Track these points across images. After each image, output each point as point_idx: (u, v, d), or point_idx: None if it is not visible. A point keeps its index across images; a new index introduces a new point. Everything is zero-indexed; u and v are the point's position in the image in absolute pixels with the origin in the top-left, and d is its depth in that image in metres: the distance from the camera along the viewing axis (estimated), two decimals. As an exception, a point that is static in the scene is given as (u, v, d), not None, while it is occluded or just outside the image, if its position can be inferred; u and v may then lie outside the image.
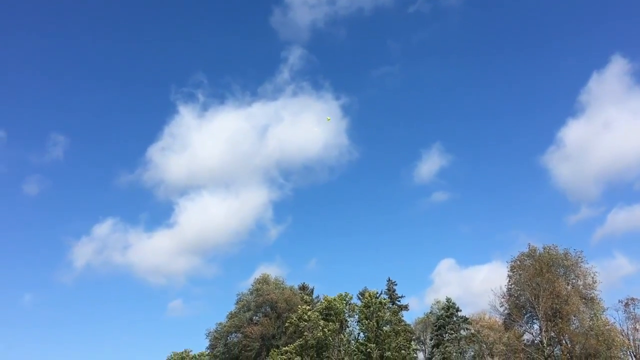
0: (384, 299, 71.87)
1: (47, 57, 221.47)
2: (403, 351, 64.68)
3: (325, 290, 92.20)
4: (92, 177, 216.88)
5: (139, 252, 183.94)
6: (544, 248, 58.49)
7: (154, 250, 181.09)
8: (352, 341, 68.06)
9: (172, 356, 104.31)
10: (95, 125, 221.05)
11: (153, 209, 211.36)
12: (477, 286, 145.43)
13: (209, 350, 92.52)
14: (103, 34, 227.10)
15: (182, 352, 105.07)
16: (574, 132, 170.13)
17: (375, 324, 65.39)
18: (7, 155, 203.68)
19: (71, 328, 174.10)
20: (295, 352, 66.13)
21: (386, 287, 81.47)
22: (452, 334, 68.33)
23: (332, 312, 67.67)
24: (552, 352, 57.08)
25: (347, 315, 69.46)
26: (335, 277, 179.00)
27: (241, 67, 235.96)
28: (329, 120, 70.70)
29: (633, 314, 57.95)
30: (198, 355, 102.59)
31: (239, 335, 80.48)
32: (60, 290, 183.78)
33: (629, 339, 57.35)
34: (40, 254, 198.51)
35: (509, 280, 60.07)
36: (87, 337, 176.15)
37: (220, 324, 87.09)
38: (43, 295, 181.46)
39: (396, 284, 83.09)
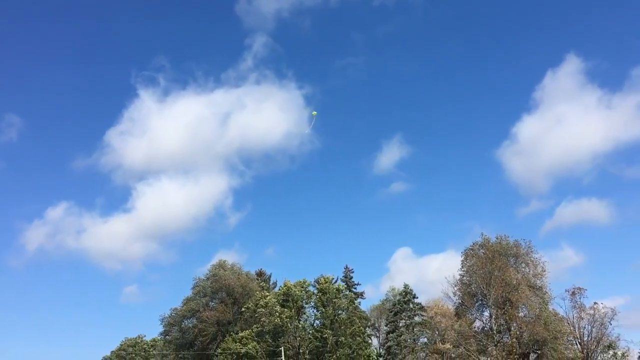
0: (341, 285, 72.66)
1: (2, 36, 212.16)
2: (358, 337, 65.64)
3: (282, 277, 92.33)
4: (47, 159, 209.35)
5: (94, 236, 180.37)
6: (496, 238, 60.17)
7: (109, 235, 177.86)
8: (308, 328, 68.54)
9: (125, 342, 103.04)
10: (52, 106, 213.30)
11: (110, 194, 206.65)
12: (432, 275, 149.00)
13: (162, 336, 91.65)
14: (63, 12, 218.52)
15: (135, 338, 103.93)
16: (527, 128, 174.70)
17: (331, 310, 66.04)
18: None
19: (22, 312, 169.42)
20: (250, 338, 66.19)
21: (343, 275, 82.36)
22: (407, 320, 69.62)
23: (289, 298, 67.95)
24: (502, 338, 58.86)
25: (304, 302, 69.86)
26: (293, 264, 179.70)
27: (204, 52, 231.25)
28: (314, 115, 70.49)
29: (579, 303, 60.49)
30: (151, 341, 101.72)
31: (194, 320, 79.79)
32: (10, 274, 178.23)
33: (574, 327, 59.82)
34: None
35: (462, 268, 61.47)
36: (39, 322, 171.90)
37: (175, 309, 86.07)
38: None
39: (353, 272, 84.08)
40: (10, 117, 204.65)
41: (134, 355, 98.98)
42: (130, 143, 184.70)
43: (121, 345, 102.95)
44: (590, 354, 59.45)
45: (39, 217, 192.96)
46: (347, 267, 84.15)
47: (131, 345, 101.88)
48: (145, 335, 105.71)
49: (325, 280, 69.90)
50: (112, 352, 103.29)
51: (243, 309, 72.16)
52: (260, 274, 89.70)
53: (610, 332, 59.05)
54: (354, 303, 73.16)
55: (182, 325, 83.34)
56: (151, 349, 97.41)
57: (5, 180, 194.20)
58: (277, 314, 65.56)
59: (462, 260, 62.07)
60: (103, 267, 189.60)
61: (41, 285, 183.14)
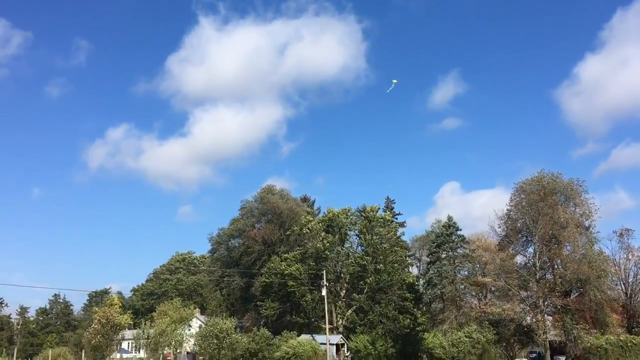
0: (386, 215, 73.64)
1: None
2: (396, 265, 67.08)
3: (327, 205, 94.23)
4: (111, 82, 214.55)
5: (152, 158, 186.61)
6: (551, 175, 59.10)
7: (166, 158, 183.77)
8: (350, 254, 70.36)
9: (175, 256, 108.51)
10: (117, 32, 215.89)
11: (168, 118, 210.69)
12: (478, 210, 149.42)
13: (210, 254, 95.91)
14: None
15: (185, 253, 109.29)
16: (590, 68, 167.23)
17: (374, 238, 67.34)
18: (32, 56, 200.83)
19: (83, 225, 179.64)
20: (295, 260, 68.61)
21: (385, 205, 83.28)
22: (449, 252, 70.38)
23: (333, 224, 69.48)
24: (544, 275, 59.11)
25: (347, 229, 71.34)
26: (339, 195, 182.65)
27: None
28: (395, 83, 69.46)
29: (626, 244, 59.84)
30: (200, 257, 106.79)
31: (241, 240, 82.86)
32: (74, 189, 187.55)
33: (619, 268, 59.46)
34: (55, 153, 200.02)
35: (511, 203, 61.09)
36: (98, 234, 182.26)
37: (223, 229, 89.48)
38: (57, 192, 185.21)
39: (394, 202, 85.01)
40: (79, 41, 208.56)
41: (182, 268, 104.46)
42: (189, 70, 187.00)
43: (171, 259, 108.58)
44: (634, 296, 59.36)
45: (101, 136, 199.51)
46: (388, 197, 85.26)
47: (180, 260, 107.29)
48: (194, 252, 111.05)
49: (371, 209, 70.93)
50: (162, 265, 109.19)
51: (288, 232, 74.52)
52: (304, 199, 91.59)
53: (656, 274, 58.62)
54: (396, 232, 74.37)
55: (229, 244, 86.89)
56: (200, 265, 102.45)
57: (72, 100, 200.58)
58: (320, 238, 67.39)
59: (512, 195, 61.60)
60: (160, 187, 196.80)
61: (102, 201, 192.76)
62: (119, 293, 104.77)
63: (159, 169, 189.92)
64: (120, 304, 63.43)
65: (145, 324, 58.19)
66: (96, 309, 60.17)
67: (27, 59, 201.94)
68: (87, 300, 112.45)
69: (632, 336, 53.18)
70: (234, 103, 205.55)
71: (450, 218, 72.71)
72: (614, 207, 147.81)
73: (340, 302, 68.77)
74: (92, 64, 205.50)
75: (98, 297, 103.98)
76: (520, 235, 60.66)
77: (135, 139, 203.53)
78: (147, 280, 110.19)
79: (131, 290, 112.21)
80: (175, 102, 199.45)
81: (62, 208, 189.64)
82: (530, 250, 60.34)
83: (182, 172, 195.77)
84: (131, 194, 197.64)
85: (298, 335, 60.79)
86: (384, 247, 66.80)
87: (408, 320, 63.94)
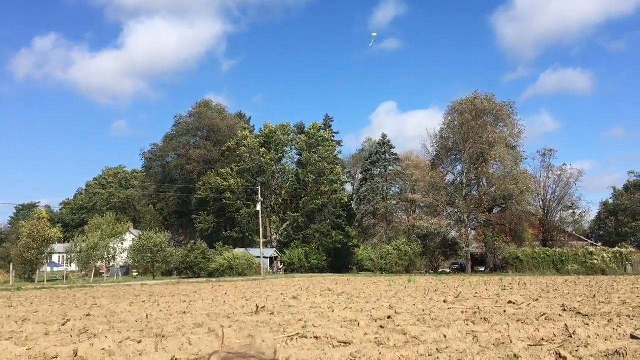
0: (327, 134, 73.98)
1: None
2: (335, 184, 68.32)
3: (265, 121, 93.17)
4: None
5: (83, 70, 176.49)
6: (484, 96, 60.65)
7: (99, 70, 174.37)
8: (288, 171, 70.76)
9: (106, 171, 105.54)
10: None
11: (100, 29, 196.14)
12: (412, 130, 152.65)
13: (144, 170, 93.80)
14: None
15: (116, 168, 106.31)
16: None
17: (314, 156, 67.74)
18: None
19: (8, 137, 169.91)
20: (232, 175, 68.22)
21: (323, 122, 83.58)
22: (382, 169, 72.10)
23: (271, 140, 69.11)
24: (470, 192, 62.09)
25: (285, 146, 71.25)
26: (278, 113, 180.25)
27: None
28: (374, 36, 67.59)
29: (548, 163, 63.27)
30: (132, 171, 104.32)
31: (176, 157, 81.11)
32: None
33: (540, 185, 63.14)
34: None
35: (443, 122, 62.74)
36: (25, 147, 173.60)
37: (156, 145, 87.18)
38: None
39: (333, 120, 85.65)
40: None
41: (114, 183, 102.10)
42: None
43: (102, 174, 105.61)
44: (550, 211, 63.57)
45: (27, 45, 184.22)
46: (327, 115, 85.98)
47: (112, 175, 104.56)
48: (125, 167, 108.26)
49: (313, 126, 70.95)
50: (94, 178, 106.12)
51: (224, 147, 73.33)
52: (240, 115, 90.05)
53: (573, 192, 62.74)
54: (335, 151, 75.14)
55: (164, 161, 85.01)
56: (132, 180, 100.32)
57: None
58: (260, 154, 67.12)
59: (445, 114, 63.19)
60: (93, 100, 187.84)
61: (29, 113, 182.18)
62: (47, 207, 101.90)
63: (92, 82, 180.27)
64: (49, 218, 61.72)
65: (77, 237, 57.23)
66: (23, 222, 58.37)
67: None
68: (14, 214, 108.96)
69: (545, 249, 57.45)
70: (172, 16, 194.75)
71: (384, 136, 74.03)
72: (538, 130, 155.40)
73: (275, 217, 69.86)
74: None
75: (25, 211, 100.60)
76: (450, 154, 62.88)
77: (65, 50, 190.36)
78: (77, 195, 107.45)
79: (60, 205, 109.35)
80: (108, 13, 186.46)
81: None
82: (459, 168, 62.94)
83: (117, 85, 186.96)
84: (61, 106, 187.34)
85: (233, 249, 61.70)
86: (324, 167, 67.48)
87: (341, 236, 66.07)
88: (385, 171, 73.56)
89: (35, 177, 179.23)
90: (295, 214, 66.19)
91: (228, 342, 8.05)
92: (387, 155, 72.55)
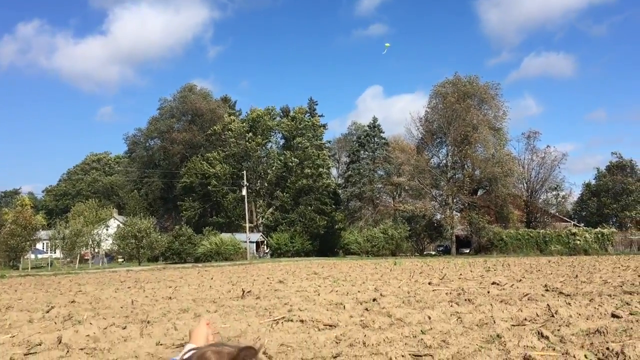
0: (314, 120, 73.68)
1: None
2: (321, 169, 68.30)
3: (251, 105, 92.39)
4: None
5: (67, 56, 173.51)
6: (467, 78, 60.72)
7: (84, 57, 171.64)
8: (273, 155, 70.55)
9: (90, 156, 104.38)
10: None
11: (85, 15, 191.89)
12: (397, 114, 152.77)
13: (127, 155, 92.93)
14: None
15: (101, 154, 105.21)
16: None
17: (302, 141, 67.57)
18: None
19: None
20: (217, 160, 67.88)
21: (307, 106, 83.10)
22: (370, 152, 71.94)
23: (257, 125, 68.75)
24: (454, 175, 62.44)
25: (271, 130, 70.93)
26: (262, 97, 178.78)
27: None
28: (387, 46, 67.05)
29: (532, 145, 63.81)
30: (115, 157, 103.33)
31: (160, 141, 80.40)
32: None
33: (524, 168, 63.70)
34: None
35: (428, 106, 62.84)
36: (7, 134, 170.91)
37: (140, 129, 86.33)
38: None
39: (317, 104, 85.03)
40: None
41: (97, 169, 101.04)
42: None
43: (85, 159, 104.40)
44: (534, 193, 64.24)
45: (9, 32, 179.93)
46: (311, 98, 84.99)
47: (95, 160, 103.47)
48: (110, 153, 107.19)
49: (299, 110, 70.68)
50: (75, 165, 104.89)
51: (209, 132, 72.76)
52: (225, 99, 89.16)
53: (557, 174, 63.42)
54: (320, 135, 74.99)
55: (147, 145, 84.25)
56: (116, 166, 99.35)
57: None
58: (246, 138, 66.77)
59: (429, 97, 63.31)
60: (79, 87, 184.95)
61: (12, 100, 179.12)
62: (30, 194, 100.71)
63: (76, 69, 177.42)
64: (32, 205, 61.04)
65: (60, 224, 56.65)
66: (6, 209, 57.69)
67: None
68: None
69: (529, 230, 58.14)
70: (158, 2, 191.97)
71: (375, 119, 73.71)
72: (522, 113, 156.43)
73: (260, 202, 69.77)
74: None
75: (8, 198, 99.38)
76: (434, 137, 63.07)
77: (49, 36, 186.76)
78: (60, 181, 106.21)
79: (43, 191, 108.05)
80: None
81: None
82: (444, 151, 63.24)
83: (102, 72, 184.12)
84: (45, 93, 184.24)
85: (219, 234, 61.58)
86: (312, 152, 67.34)
87: (326, 220, 66.20)
88: (374, 154, 73.55)
89: (18, 165, 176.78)
90: (283, 194, 66.23)
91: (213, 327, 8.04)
92: (376, 138, 72.43)
